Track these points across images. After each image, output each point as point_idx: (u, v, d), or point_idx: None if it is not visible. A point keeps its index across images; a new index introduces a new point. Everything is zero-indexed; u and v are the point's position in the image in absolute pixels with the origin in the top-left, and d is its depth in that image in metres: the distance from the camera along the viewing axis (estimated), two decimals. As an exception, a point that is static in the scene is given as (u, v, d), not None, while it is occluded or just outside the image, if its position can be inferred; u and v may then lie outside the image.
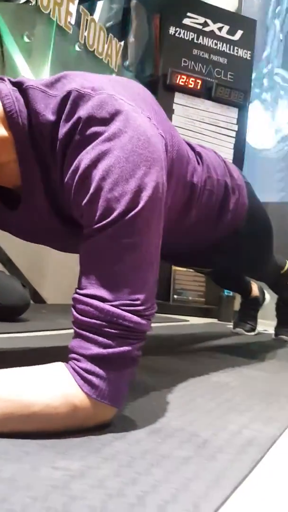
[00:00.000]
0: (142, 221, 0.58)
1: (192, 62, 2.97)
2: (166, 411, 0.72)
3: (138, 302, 0.58)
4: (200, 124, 2.97)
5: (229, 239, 1.11)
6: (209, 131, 2.99)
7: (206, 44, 3.01)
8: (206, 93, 2.97)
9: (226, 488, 0.48)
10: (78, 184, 0.58)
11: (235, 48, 3.08)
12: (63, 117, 0.61)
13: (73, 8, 2.34)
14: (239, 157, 3.01)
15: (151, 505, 0.42)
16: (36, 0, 2.15)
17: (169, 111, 2.84)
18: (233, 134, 3.05)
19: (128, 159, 0.57)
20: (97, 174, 0.57)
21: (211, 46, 3.02)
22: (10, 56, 2.07)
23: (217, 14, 3.05)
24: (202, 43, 3.00)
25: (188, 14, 2.96)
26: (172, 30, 2.93)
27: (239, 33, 3.08)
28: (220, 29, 3.04)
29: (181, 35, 2.95)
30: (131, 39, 3.02)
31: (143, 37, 3.03)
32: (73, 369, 0.57)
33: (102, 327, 0.56)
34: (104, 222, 0.56)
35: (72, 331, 0.60)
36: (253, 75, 3.24)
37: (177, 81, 2.89)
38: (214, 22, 3.02)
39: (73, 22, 2.37)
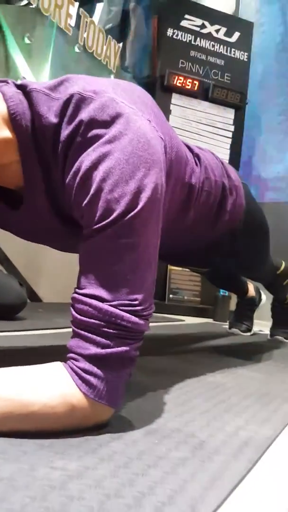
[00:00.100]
0: (141, 221, 0.58)
1: (190, 64, 2.98)
2: (162, 412, 0.73)
3: (136, 302, 0.58)
4: (197, 124, 2.98)
5: (226, 239, 1.11)
6: (206, 131, 3.00)
7: (204, 45, 3.02)
8: (203, 94, 2.99)
9: (223, 489, 0.48)
10: (79, 185, 0.59)
11: (232, 49, 3.09)
12: (66, 119, 0.61)
13: (73, 10, 2.37)
14: (235, 157, 3.02)
15: (148, 506, 0.43)
16: (37, 2, 2.17)
17: (166, 112, 2.85)
18: (230, 134, 3.06)
19: (128, 161, 0.58)
20: (97, 175, 0.57)
21: (209, 47, 3.04)
22: (11, 57, 2.08)
23: (214, 16, 3.06)
24: (199, 44, 3.01)
25: (186, 16, 2.98)
26: (170, 32, 2.95)
27: (236, 35, 3.10)
28: (217, 31, 3.06)
29: (179, 36, 2.97)
30: (130, 40, 3.03)
31: (141, 38, 3.04)
32: (72, 369, 0.57)
33: (101, 327, 0.57)
34: (103, 222, 0.57)
35: (68, 330, 0.60)
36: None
37: (175, 82, 2.90)
38: (212, 24, 3.04)
39: (73, 24, 2.39)
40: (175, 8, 2.98)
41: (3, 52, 2.05)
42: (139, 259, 0.59)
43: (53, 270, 2.32)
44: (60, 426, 0.55)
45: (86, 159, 0.58)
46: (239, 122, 3.09)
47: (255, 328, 2.05)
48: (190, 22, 2.99)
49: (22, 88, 0.64)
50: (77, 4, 2.40)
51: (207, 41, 3.03)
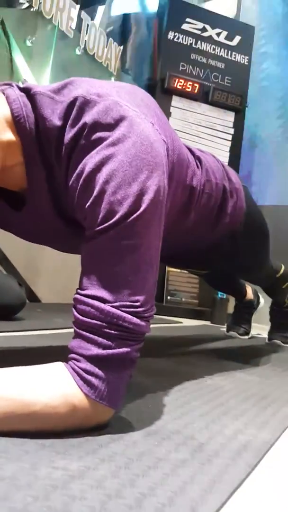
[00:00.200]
0: (144, 223, 0.59)
1: (190, 67, 2.99)
2: (161, 414, 0.73)
3: (138, 303, 0.59)
4: (197, 127, 2.99)
5: (226, 241, 1.12)
6: (206, 134, 3.01)
7: (204, 49, 3.03)
8: (203, 97, 2.99)
9: (223, 492, 0.49)
10: (82, 187, 0.59)
11: (233, 53, 3.10)
12: (69, 122, 0.62)
13: (74, 13, 2.37)
14: (235, 160, 3.03)
15: (149, 507, 0.43)
16: (39, 5, 2.18)
17: (167, 114, 2.85)
18: (229, 137, 3.06)
19: (131, 164, 0.58)
20: (101, 177, 0.58)
21: (209, 51, 3.05)
22: (13, 59, 2.09)
23: (215, 20, 3.07)
24: (200, 48, 3.02)
25: (187, 19, 2.98)
26: (171, 35, 2.95)
27: (237, 38, 3.11)
28: (218, 34, 3.06)
29: (180, 40, 2.97)
30: (131, 43, 3.03)
31: (142, 41, 3.05)
32: (73, 369, 0.57)
33: (102, 327, 0.57)
34: (106, 224, 0.57)
35: (67, 330, 0.61)
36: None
37: (175, 85, 2.91)
38: (213, 28, 3.05)
39: (74, 26, 2.39)
40: (176, 11, 2.99)
41: (7, 55, 2.06)
42: (141, 260, 0.60)
43: (52, 271, 2.32)
44: (62, 426, 0.56)
45: (89, 162, 0.59)
46: (239, 125, 3.10)
47: (253, 332, 2.05)
48: (191, 25, 2.99)
49: (26, 91, 0.64)
50: (78, 7, 2.41)
51: (208, 44, 3.04)
